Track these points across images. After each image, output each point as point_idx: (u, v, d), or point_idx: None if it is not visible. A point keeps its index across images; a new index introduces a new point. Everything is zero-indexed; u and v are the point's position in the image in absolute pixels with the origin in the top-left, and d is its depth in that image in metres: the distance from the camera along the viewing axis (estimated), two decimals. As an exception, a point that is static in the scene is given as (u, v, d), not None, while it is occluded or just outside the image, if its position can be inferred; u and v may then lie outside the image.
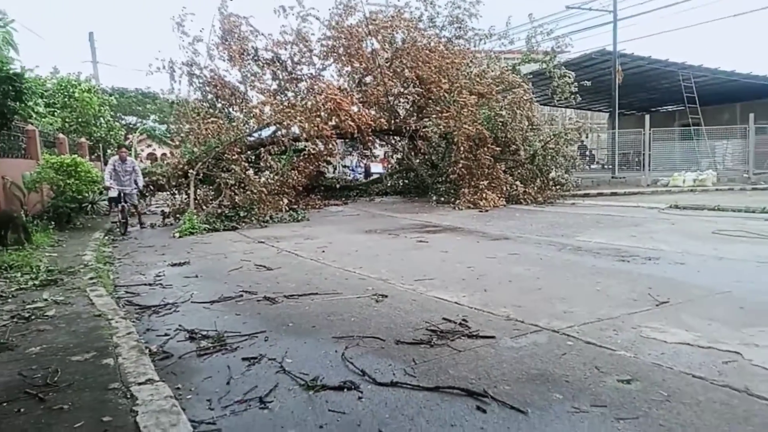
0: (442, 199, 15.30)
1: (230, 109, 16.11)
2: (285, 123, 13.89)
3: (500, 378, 3.10)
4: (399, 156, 19.89)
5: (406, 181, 19.36)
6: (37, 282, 5.80)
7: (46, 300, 5.02)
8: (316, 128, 13.27)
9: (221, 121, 13.78)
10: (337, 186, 19.12)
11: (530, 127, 15.97)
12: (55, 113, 17.37)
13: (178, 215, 12.07)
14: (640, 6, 48.15)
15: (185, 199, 12.86)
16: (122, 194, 11.24)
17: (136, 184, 11.78)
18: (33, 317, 4.46)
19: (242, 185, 12.61)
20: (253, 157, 14.77)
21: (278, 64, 15.95)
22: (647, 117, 20.32)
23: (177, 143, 15.41)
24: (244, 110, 15.12)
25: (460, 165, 14.60)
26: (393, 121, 16.81)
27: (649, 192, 16.84)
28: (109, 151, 20.53)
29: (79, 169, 11.18)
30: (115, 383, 3.01)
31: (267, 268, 6.68)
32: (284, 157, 14.58)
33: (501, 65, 17.36)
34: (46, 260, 7.14)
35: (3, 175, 10.37)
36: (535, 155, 15.68)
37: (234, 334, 4.00)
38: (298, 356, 3.55)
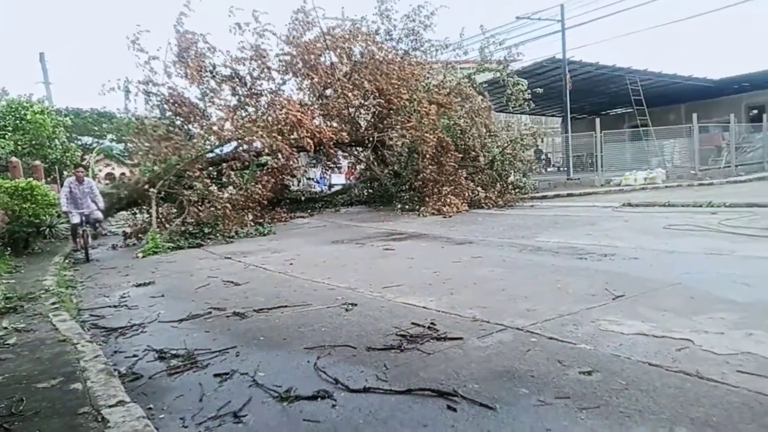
0: (407, 206, 15.44)
1: (190, 126, 15.87)
2: (246, 138, 13.78)
3: (469, 377, 3.18)
4: (362, 167, 19.97)
5: (371, 191, 19.45)
6: (-5, 310, 5.58)
7: (5, 328, 4.83)
8: (277, 143, 13.20)
9: (180, 138, 13.55)
10: (303, 198, 19.03)
11: (488, 133, 16.33)
12: (6, 136, 16.77)
13: (140, 235, 11.79)
14: (587, 14, 50.05)
15: (147, 218, 12.58)
16: (82, 219, 10.35)
17: (96, 204, 10.84)
18: (-7, 346, 4.30)
19: (206, 201, 12.42)
20: (216, 173, 14.58)
21: (237, 79, 15.82)
22: (598, 120, 21.00)
23: (136, 161, 15.08)
24: (204, 127, 14.92)
25: (425, 173, 14.79)
26: (355, 133, 16.90)
27: (602, 192, 17.42)
28: (65, 173, 19.89)
29: (35, 193, 10.82)
30: (84, 407, 2.95)
31: (235, 283, 6.61)
32: (247, 172, 14.46)
33: (458, 75, 17.70)
34: (4, 287, 6.87)
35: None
36: (494, 161, 16.03)
37: (204, 352, 3.96)
38: (271, 369, 3.55)
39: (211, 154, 14.64)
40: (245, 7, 14.77)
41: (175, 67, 15.09)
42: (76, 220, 10.29)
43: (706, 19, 78.18)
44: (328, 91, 16.54)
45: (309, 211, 17.52)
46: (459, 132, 15.55)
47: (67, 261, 9.92)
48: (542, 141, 32.39)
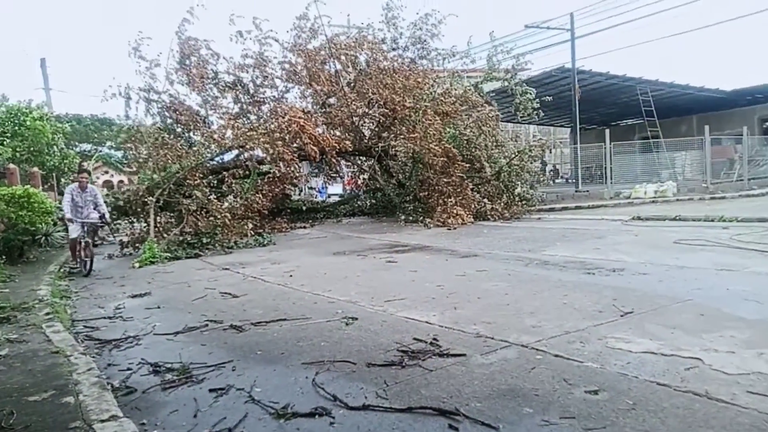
0: (410, 218, 15.44)
1: (191, 134, 15.98)
2: (248, 146, 13.85)
3: (471, 395, 3.17)
4: (366, 176, 20.03)
5: (374, 201, 19.48)
6: (-13, 320, 5.60)
7: (-2, 339, 4.86)
8: (279, 151, 13.26)
9: (180, 146, 13.64)
10: (304, 208, 19.06)
11: (495, 144, 16.36)
12: (5, 143, 16.89)
13: (137, 244, 11.82)
14: (597, 23, 50.29)
15: (145, 227, 12.61)
16: (83, 231, 9.62)
17: (100, 213, 10.11)
18: (-15, 358, 4.31)
19: (205, 211, 12.46)
20: (216, 182, 14.65)
21: (240, 87, 15.96)
22: (608, 131, 21.05)
23: (135, 169, 15.15)
24: (205, 134, 15.02)
25: (429, 184, 14.80)
26: (359, 142, 16.96)
27: (612, 204, 17.39)
28: (62, 180, 20.00)
29: (32, 201, 10.85)
30: (76, 422, 2.95)
31: (232, 295, 6.61)
32: (248, 180, 14.51)
33: (464, 84, 17.78)
34: (-2, 297, 6.91)
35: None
36: (501, 172, 16.04)
37: (200, 366, 3.96)
38: (268, 384, 3.54)
39: (212, 162, 14.71)
40: (246, 15, 14.89)
41: (177, 74, 15.24)
42: (74, 234, 9.59)
43: (719, 29, 78.39)
44: (332, 100, 16.65)
45: (310, 221, 17.54)
46: (465, 142, 15.59)
47: (62, 270, 9.94)
48: (551, 152, 32.51)
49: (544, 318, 4.71)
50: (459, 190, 14.83)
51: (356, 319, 5.06)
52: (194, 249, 11.35)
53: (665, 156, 22.21)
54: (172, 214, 13.18)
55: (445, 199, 14.59)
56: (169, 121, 15.77)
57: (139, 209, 12.92)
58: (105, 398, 3.25)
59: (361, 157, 18.96)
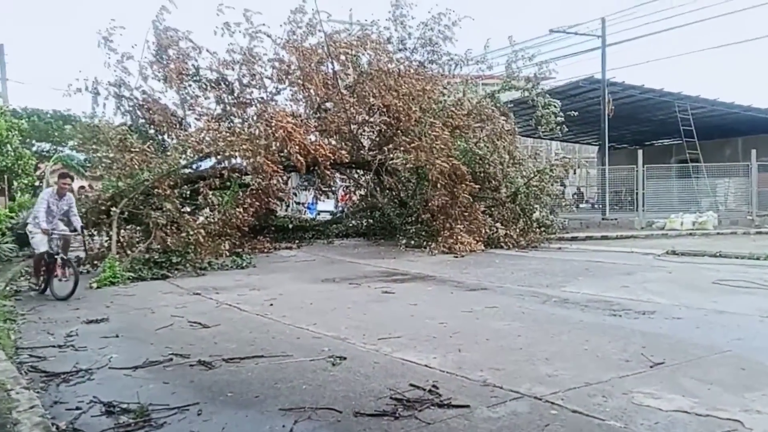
0: (412, 242, 15.44)
1: (165, 137, 16.03)
2: (227, 153, 13.87)
3: (474, 455, 3.14)
4: (363, 192, 20.04)
5: (371, 221, 19.47)
6: None
7: (-72, 367, 4.80)
8: (258, 158, 13.27)
9: (150, 150, 13.64)
10: (290, 226, 19.05)
11: (512, 161, 16.43)
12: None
13: (96, 261, 11.78)
14: (632, 30, 50.87)
15: (106, 241, 12.58)
16: (55, 245, 9.22)
17: (73, 227, 9.70)
18: None
19: (176, 225, 12.44)
20: (190, 193, 14.64)
21: (224, 86, 16.07)
22: (640, 152, 21.14)
23: (98, 174, 15.13)
24: (180, 138, 15.06)
25: (434, 204, 14.83)
26: (356, 153, 17.03)
27: (643, 236, 17.43)
28: (15, 183, 20.01)
29: (-23, 206, 10.87)
30: (12, 469, 2.91)
31: (203, 325, 6.58)
32: (227, 192, 14.51)
33: (479, 93, 17.91)
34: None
35: None
36: (517, 193, 16.09)
37: (161, 408, 3.92)
38: (238, 433, 3.51)
39: (187, 171, 14.72)
40: (236, 5, 15.04)
41: (152, 68, 15.36)
42: (42, 248, 9.08)
43: (769, 41, 79.35)
44: (328, 104, 16.76)
45: (297, 241, 17.52)
46: (477, 158, 15.65)
47: (8, 288, 9.88)
48: (575, 173, 32.66)
49: (562, 366, 4.68)
50: (468, 212, 14.85)
51: (344, 358, 5.03)
52: (161, 269, 11.31)
53: (705, 182, 22.28)
54: (138, 228, 13.15)
55: (452, 222, 14.61)
56: (141, 120, 15.85)
57: (100, 221, 12.89)
58: (48, 442, 3.20)
59: (358, 171, 19.01)
